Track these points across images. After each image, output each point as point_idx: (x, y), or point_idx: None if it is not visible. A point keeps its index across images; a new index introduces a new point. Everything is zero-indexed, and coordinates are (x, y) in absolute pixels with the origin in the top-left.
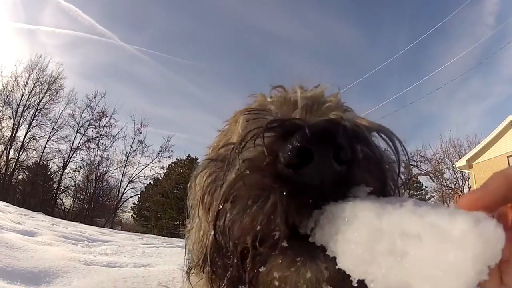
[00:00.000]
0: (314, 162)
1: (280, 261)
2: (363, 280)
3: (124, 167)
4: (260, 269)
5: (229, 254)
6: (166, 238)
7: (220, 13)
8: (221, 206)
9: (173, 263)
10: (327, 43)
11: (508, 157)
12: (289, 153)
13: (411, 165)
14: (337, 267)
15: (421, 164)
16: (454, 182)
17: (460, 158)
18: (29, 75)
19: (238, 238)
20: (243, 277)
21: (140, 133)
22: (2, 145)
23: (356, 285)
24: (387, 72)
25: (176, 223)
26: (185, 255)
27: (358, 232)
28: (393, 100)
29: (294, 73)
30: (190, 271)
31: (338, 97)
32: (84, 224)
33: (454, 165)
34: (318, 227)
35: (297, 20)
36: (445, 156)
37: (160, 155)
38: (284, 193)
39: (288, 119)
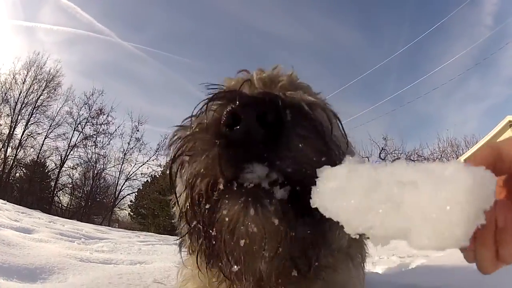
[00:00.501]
0: (242, 122)
1: (228, 203)
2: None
3: (122, 165)
4: (213, 212)
5: (193, 201)
6: (163, 235)
7: (220, 12)
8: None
9: (169, 260)
10: (326, 43)
11: None
12: (226, 116)
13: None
14: (335, 220)
15: (454, 160)
16: None
17: (457, 158)
18: (27, 73)
19: (194, 185)
20: (205, 223)
21: (138, 130)
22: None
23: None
24: (385, 71)
25: (173, 221)
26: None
27: (355, 183)
28: (391, 100)
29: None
30: (181, 244)
31: (293, 76)
32: (81, 222)
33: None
34: (314, 188)
35: (296, 20)
36: (443, 155)
37: (157, 152)
38: (222, 146)
39: (228, 91)
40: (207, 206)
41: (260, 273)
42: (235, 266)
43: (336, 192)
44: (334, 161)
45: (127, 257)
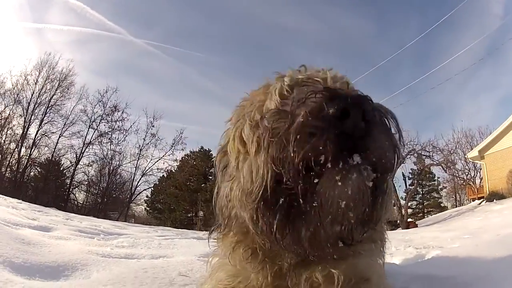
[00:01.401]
0: (351, 118)
1: (332, 171)
2: None
3: (137, 161)
4: (317, 182)
5: (289, 179)
6: (180, 230)
7: (230, 5)
8: (289, 141)
9: (190, 254)
10: (337, 34)
11: None
12: (337, 110)
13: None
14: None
15: (434, 154)
16: (466, 173)
17: (472, 149)
18: (39, 73)
19: (302, 160)
20: (299, 195)
21: (153, 126)
22: (13, 143)
23: (359, 164)
24: (397, 63)
25: (189, 215)
26: (215, 215)
27: None
28: (405, 91)
29: (304, 64)
30: (214, 230)
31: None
32: (98, 218)
33: (466, 156)
34: None
35: (306, 12)
36: (457, 146)
37: (173, 147)
38: (333, 134)
39: (334, 88)
40: (314, 178)
41: (326, 238)
42: (312, 230)
43: None
44: (401, 157)
45: (147, 251)
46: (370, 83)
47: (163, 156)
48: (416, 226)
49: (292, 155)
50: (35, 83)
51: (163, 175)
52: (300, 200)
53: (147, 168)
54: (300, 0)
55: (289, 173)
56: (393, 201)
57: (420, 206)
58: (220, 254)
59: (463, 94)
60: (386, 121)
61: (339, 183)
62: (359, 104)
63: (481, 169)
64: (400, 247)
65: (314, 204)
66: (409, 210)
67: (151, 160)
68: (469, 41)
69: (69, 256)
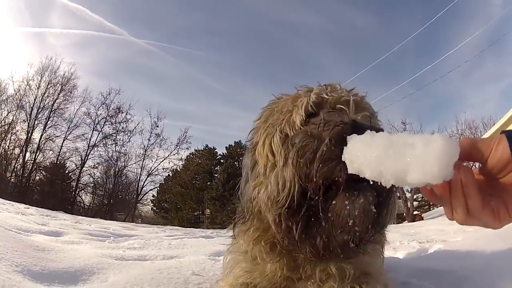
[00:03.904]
0: None
1: (344, 194)
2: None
3: (143, 161)
4: (333, 201)
5: (312, 194)
6: (187, 229)
7: (233, 4)
8: (314, 163)
9: (201, 253)
10: (340, 27)
11: None
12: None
13: None
14: (366, 176)
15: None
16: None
17: None
18: (41, 78)
19: (323, 181)
20: (319, 208)
21: (157, 126)
22: (17, 149)
23: (372, 182)
24: (401, 54)
25: (196, 214)
26: (241, 207)
27: (378, 142)
28: (409, 83)
29: (309, 59)
30: (238, 221)
31: (366, 101)
32: (105, 219)
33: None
34: (345, 148)
35: (309, 6)
36: (461, 138)
37: (178, 147)
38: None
39: (353, 121)
40: (331, 197)
41: (336, 244)
42: (325, 238)
43: (362, 149)
44: None
45: (159, 252)
46: (375, 75)
47: (168, 155)
48: (422, 219)
49: (315, 174)
50: (38, 88)
51: (168, 175)
52: (320, 213)
53: (152, 168)
54: None
55: (312, 189)
56: (397, 199)
57: (426, 199)
58: (236, 250)
59: (467, 85)
60: None
61: (349, 205)
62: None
63: None
64: (404, 241)
65: (329, 218)
66: (415, 203)
67: (156, 160)
68: (473, 31)
69: (85, 261)
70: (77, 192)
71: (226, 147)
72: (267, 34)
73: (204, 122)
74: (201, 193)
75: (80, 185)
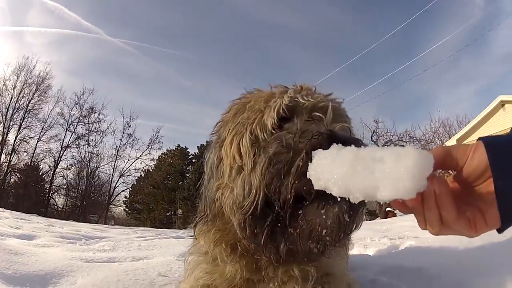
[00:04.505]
0: None
1: (318, 203)
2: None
3: (115, 162)
4: (299, 212)
5: (280, 205)
6: (159, 229)
7: (208, 3)
8: (287, 176)
9: (169, 254)
10: (316, 27)
11: None
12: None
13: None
14: (332, 192)
15: (411, 144)
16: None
17: (450, 138)
18: (17, 78)
19: (294, 192)
20: (286, 218)
21: (129, 126)
22: None
23: (339, 199)
24: (377, 54)
25: (168, 214)
26: (203, 206)
27: (344, 158)
28: (383, 82)
29: (285, 60)
30: (199, 221)
31: (343, 108)
32: (78, 222)
33: (444, 145)
34: (310, 165)
35: (284, 5)
36: (435, 136)
37: (150, 147)
38: None
39: (332, 132)
40: (301, 208)
41: (301, 251)
42: (290, 245)
43: (328, 165)
44: None
45: (128, 254)
46: (349, 74)
47: (140, 156)
48: (395, 215)
49: (289, 187)
50: (14, 88)
51: (140, 175)
52: (287, 222)
53: (124, 168)
54: None
55: (280, 201)
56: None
57: None
58: (196, 251)
59: (441, 85)
60: None
61: (323, 215)
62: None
63: None
64: (375, 238)
65: (298, 227)
66: None
67: (128, 160)
68: (451, 31)
69: (55, 264)
70: (50, 194)
71: (198, 146)
72: (240, 33)
73: (176, 121)
74: (173, 193)
75: (53, 187)
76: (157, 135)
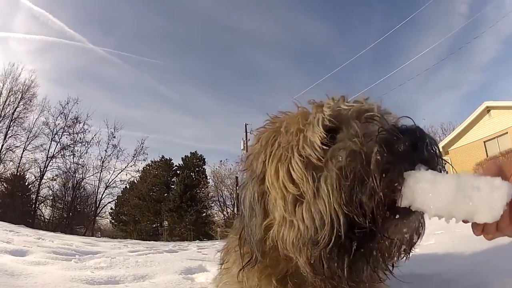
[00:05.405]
0: (418, 150)
1: (401, 216)
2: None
3: (100, 173)
4: (387, 224)
5: (363, 223)
6: (148, 242)
7: (189, 11)
8: (367, 178)
9: (170, 271)
10: (296, 39)
11: (484, 142)
12: (408, 144)
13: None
14: (429, 214)
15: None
16: None
17: None
18: (3, 85)
19: (384, 197)
20: (370, 237)
21: (114, 137)
22: None
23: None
24: (358, 65)
25: (154, 226)
26: (245, 244)
27: (448, 186)
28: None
29: (264, 70)
30: (248, 264)
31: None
32: (66, 234)
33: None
34: (406, 187)
35: (266, 16)
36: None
37: (135, 158)
38: (405, 166)
39: (399, 125)
40: (391, 216)
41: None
42: (373, 269)
43: (428, 191)
44: None
45: (127, 271)
46: (330, 85)
47: (125, 167)
48: None
49: (372, 192)
50: None
51: (126, 187)
52: (370, 242)
53: (110, 180)
54: (259, 3)
55: (368, 214)
56: None
57: None
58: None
59: (424, 93)
60: (437, 149)
61: (404, 227)
62: (424, 138)
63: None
64: None
65: (381, 245)
66: None
67: (113, 171)
68: (434, 40)
69: (55, 286)
70: (37, 205)
71: (182, 158)
72: (221, 41)
73: (159, 131)
74: (159, 204)
75: (40, 197)
76: (142, 146)
